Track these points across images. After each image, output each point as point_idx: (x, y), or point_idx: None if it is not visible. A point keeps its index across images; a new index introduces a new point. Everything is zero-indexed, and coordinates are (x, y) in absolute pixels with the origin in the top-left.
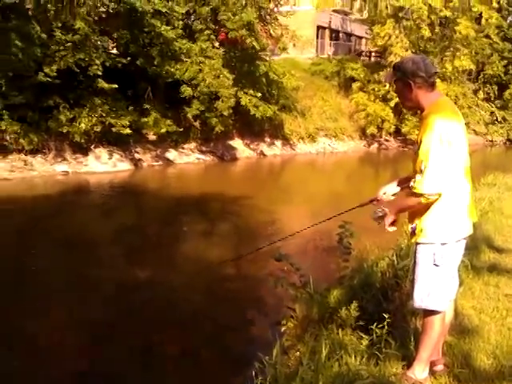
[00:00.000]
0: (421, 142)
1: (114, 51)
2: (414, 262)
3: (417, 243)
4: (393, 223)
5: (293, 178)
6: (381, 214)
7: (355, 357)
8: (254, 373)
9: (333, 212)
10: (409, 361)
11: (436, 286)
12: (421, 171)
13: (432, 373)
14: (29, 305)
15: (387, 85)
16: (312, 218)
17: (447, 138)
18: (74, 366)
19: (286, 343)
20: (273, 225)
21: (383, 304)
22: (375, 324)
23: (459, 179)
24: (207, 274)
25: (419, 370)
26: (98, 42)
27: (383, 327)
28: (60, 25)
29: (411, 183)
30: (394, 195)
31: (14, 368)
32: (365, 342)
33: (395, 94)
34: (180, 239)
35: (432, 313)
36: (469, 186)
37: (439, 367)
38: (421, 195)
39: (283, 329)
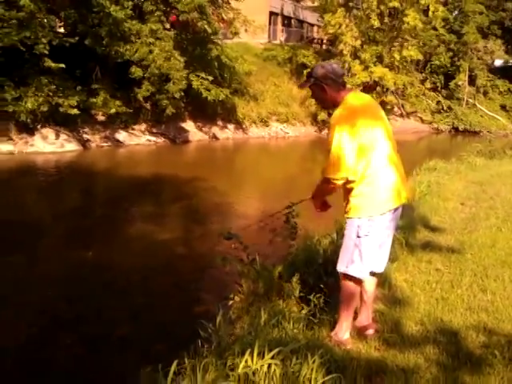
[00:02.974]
0: (328, 134)
1: (62, 30)
2: (344, 234)
3: (347, 218)
4: (323, 206)
5: (245, 161)
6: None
7: (293, 323)
8: (199, 342)
9: (284, 192)
10: None
11: (358, 256)
12: (327, 158)
13: (363, 337)
14: None
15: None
16: (264, 198)
17: (349, 131)
18: (21, 352)
19: (233, 316)
20: (224, 206)
21: (323, 278)
22: (313, 294)
23: (375, 164)
24: (157, 255)
25: (340, 332)
26: (45, 21)
27: (320, 297)
28: (2, 0)
29: (322, 169)
30: None
31: None
32: (304, 311)
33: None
34: (130, 221)
35: (351, 280)
36: (390, 167)
37: (370, 331)
38: (328, 179)
39: (231, 303)
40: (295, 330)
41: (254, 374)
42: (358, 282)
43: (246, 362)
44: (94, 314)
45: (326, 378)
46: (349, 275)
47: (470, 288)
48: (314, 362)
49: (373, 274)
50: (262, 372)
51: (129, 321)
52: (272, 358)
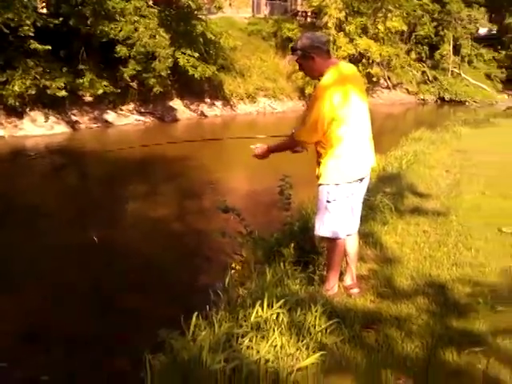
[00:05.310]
0: (310, 100)
1: (45, 11)
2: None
3: (318, 184)
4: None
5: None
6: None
7: (295, 281)
8: (208, 306)
9: (274, 170)
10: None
11: (328, 219)
12: (303, 123)
13: (349, 295)
14: None
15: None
16: (255, 174)
17: (334, 98)
18: (32, 327)
19: (235, 283)
20: (216, 182)
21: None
22: (311, 258)
23: (349, 133)
24: (157, 232)
25: (328, 286)
26: (25, 0)
27: (318, 259)
28: None
29: (293, 130)
30: None
31: None
32: (304, 273)
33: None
34: (126, 200)
35: (329, 240)
36: (362, 139)
37: (354, 290)
38: (298, 141)
39: (233, 272)
40: (297, 286)
41: (265, 322)
42: (336, 242)
43: (257, 312)
44: (102, 285)
45: (327, 324)
46: (326, 237)
47: (456, 246)
48: (316, 311)
49: (349, 236)
50: (271, 320)
51: (136, 293)
52: (279, 308)
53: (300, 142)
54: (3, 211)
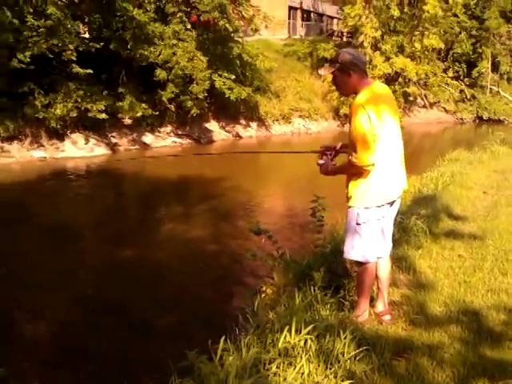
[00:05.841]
0: (350, 123)
1: (87, 36)
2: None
3: (348, 206)
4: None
5: (269, 159)
6: (323, 162)
7: (325, 306)
8: (237, 330)
9: (308, 191)
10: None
11: (359, 242)
12: (355, 149)
13: (380, 322)
14: (19, 288)
15: None
16: (290, 195)
17: (370, 121)
18: (63, 341)
19: (265, 306)
20: (251, 203)
21: (351, 267)
22: (342, 282)
23: (382, 155)
24: (191, 252)
25: (359, 312)
26: (69, 26)
27: (349, 283)
28: (32, 10)
29: (350, 157)
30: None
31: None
32: (334, 298)
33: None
34: (161, 221)
35: (359, 264)
36: (394, 161)
37: (386, 317)
38: (359, 167)
39: (263, 295)
40: (327, 311)
41: (293, 348)
42: (366, 266)
43: (285, 337)
44: (135, 305)
45: (357, 351)
46: (356, 261)
47: (491, 272)
48: (345, 337)
49: (380, 259)
50: (299, 346)
51: (168, 312)
52: (308, 334)
53: (363, 167)
54: (41, 228)
